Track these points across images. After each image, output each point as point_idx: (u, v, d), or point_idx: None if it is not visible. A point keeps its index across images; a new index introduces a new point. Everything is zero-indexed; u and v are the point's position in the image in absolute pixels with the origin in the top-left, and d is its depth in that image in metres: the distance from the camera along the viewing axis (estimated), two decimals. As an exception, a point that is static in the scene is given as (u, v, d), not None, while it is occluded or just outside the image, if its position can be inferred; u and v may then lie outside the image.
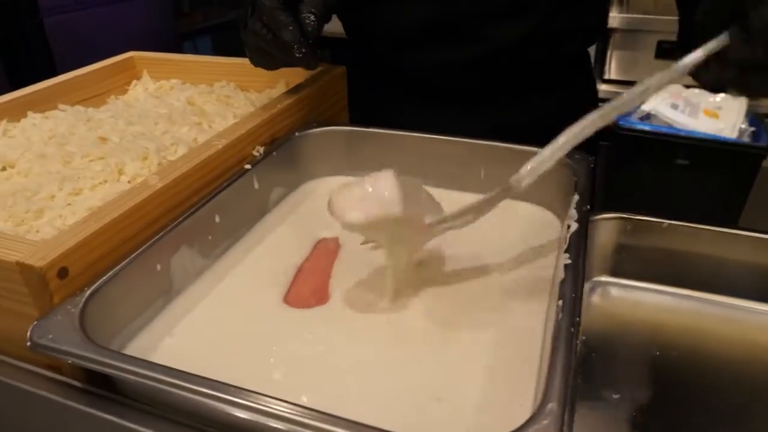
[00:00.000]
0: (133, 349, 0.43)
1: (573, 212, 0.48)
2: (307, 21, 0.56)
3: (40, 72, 1.77)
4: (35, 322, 0.38)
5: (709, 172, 1.68)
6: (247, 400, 0.32)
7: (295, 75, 0.77)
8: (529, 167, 0.44)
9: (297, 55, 0.55)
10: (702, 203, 1.68)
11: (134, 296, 0.44)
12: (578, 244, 0.44)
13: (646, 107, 1.73)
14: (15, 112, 0.69)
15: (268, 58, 0.60)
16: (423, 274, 0.52)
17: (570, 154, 0.57)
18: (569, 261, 0.42)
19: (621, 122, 1.70)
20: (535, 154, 0.58)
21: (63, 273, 0.40)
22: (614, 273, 0.58)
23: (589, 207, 0.50)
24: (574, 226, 0.46)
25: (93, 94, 0.79)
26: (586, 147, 0.84)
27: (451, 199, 0.63)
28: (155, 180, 0.48)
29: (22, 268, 0.39)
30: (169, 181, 0.48)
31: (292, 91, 0.68)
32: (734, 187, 1.66)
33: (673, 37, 2.05)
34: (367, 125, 0.66)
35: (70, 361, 0.35)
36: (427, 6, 0.71)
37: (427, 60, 0.76)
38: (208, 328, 0.46)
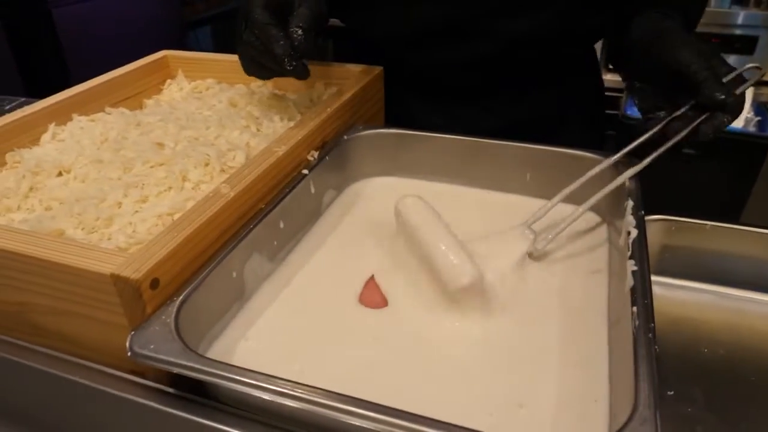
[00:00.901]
0: (213, 354, 0.45)
1: (630, 218, 0.50)
2: (295, 35, 0.57)
3: (50, 63, 1.77)
4: (133, 333, 0.39)
5: (715, 162, 1.70)
6: (333, 401, 0.34)
7: (330, 76, 0.79)
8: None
9: (288, 68, 0.57)
10: (709, 192, 1.71)
11: (213, 303, 0.46)
12: (641, 251, 0.46)
13: (653, 97, 1.75)
14: (60, 115, 0.70)
15: (261, 69, 0.63)
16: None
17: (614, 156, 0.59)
18: (635, 268, 0.44)
19: (628, 111, 1.72)
20: (571, 156, 0.61)
21: (155, 284, 0.41)
22: (659, 272, 0.60)
23: (643, 212, 0.51)
24: (634, 232, 0.48)
25: (130, 94, 0.80)
26: (593, 138, 0.87)
27: (495, 201, 0.65)
28: (227, 189, 0.49)
29: (116, 279, 0.40)
30: (240, 190, 0.49)
31: (336, 94, 0.69)
32: (741, 176, 1.69)
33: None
34: (412, 128, 0.68)
35: (174, 371, 0.37)
36: (438, 5, 0.72)
37: (438, 59, 0.77)
38: (281, 330, 0.47)
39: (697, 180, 1.69)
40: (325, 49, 2.24)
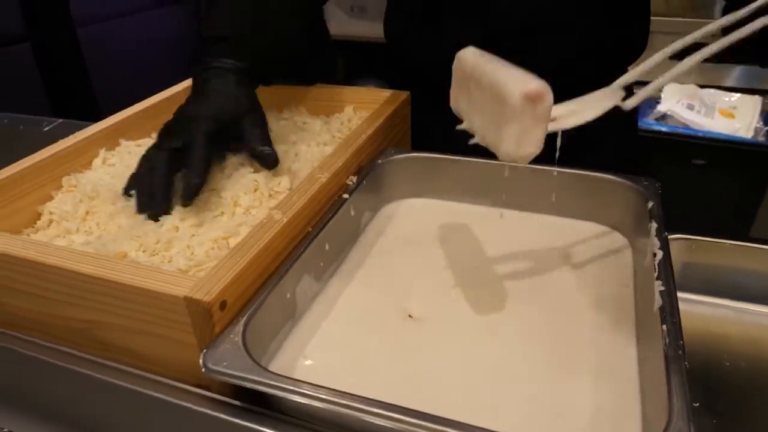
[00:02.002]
0: (275, 369, 0.48)
1: (655, 240, 0.53)
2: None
3: (75, 81, 1.82)
4: (206, 351, 0.43)
5: (725, 172, 1.73)
6: (392, 412, 0.38)
7: (359, 100, 0.82)
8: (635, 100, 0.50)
9: (154, 208, 0.59)
10: (719, 202, 1.74)
11: (271, 322, 0.49)
12: (667, 271, 0.49)
13: (662, 108, 1.79)
14: (108, 141, 0.74)
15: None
16: (509, 291, 0.58)
17: (637, 179, 0.63)
18: (663, 288, 0.47)
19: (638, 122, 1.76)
20: (596, 179, 0.64)
21: (223, 305, 0.45)
22: (680, 288, 0.63)
23: (666, 234, 0.55)
24: (660, 254, 0.52)
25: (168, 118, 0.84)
26: (626, 157, 0.90)
27: (521, 220, 0.69)
28: (279, 215, 0.53)
29: (189, 302, 0.44)
30: (291, 216, 0.53)
31: (369, 119, 0.73)
32: (751, 186, 1.72)
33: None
34: (442, 152, 0.71)
35: (248, 386, 0.41)
36: (477, 23, 0.76)
37: None
38: (335, 347, 0.51)
39: (709, 190, 1.72)
40: (335, 63, 2.28)
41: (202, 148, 0.60)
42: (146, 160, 0.64)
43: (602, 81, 0.83)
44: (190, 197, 0.59)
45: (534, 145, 0.46)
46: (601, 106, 0.51)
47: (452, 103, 0.56)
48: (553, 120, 0.49)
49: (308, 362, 0.50)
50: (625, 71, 0.88)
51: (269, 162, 0.62)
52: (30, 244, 0.51)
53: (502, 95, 0.45)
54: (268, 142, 0.63)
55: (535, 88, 0.43)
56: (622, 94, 0.52)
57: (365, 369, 0.49)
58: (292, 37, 0.78)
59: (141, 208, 0.60)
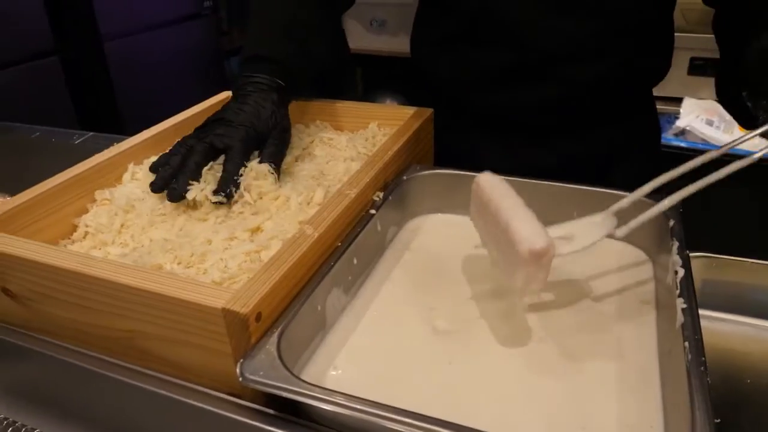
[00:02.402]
0: (307, 379, 0.50)
1: (677, 258, 0.55)
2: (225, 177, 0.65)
3: (100, 94, 1.87)
4: (242, 361, 0.45)
5: (745, 188, 1.73)
6: (424, 423, 0.39)
7: (384, 117, 0.85)
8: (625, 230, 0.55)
9: (175, 191, 0.64)
10: (739, 218, 1.73)
11: (303, 334, 0.51)
12: (689, 289, 0.51)
13: (681, 123, 1.79)
14: (137, 156, 0.76)
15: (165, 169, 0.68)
16: (532, 305, 0.59)
17: (658, 197, 0.64)
18: (685, 305, 0.49)
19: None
20: (617, 197, 0.65)
21: (258, 317, 0.47)
22: (701, 305, 0.64)
23: (688, 252, 0.56)
24: (681, 271, 0.53)
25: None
26: (649, 175, 0.91)
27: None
28: (311, 230, 0.55)
29: (226, 313, 0.46)
30: (322, 231, 0.55)
31: (394, 135, 0.74)
32: (771, 204, 1.71)
33: (706, 54, 2.09)
34: (464, 167, 0.73)
35: (284, 395, 0.42)
36: (504, 49, 0.78)
37: (502, 100, 0.83)
38: (364, 358, 0.53)
39: (728, 206, 1.71)
40: (353, 77, 2.31)
41: (239, 157, 0.66)
42: (182, 145, 0.69)
43: (625, 105, 0.85)
44: (227, 196, 0.64)
45: (539, 285, 0.51)
46: (595, 234, 0.56)
47: (471, 218, 0.62)
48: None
49: (337, 372, 0.51)
50: (649, 94, 0.90)
51: (226, 189, 0.65)
52: (73, 256, 0.53)
53: (512, 242, 0.50)
54: (276, 159, 0.68)
55: (541, 247, 0.49)
56: (615, 221, 0.57)
57: (393, 380, 0.50)
58: (321, 56, 0.81)
59: (161, 183, 0.66)
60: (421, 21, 0.91)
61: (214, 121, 0.70)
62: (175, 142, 0.70)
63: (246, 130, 0.68)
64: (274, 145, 0.69)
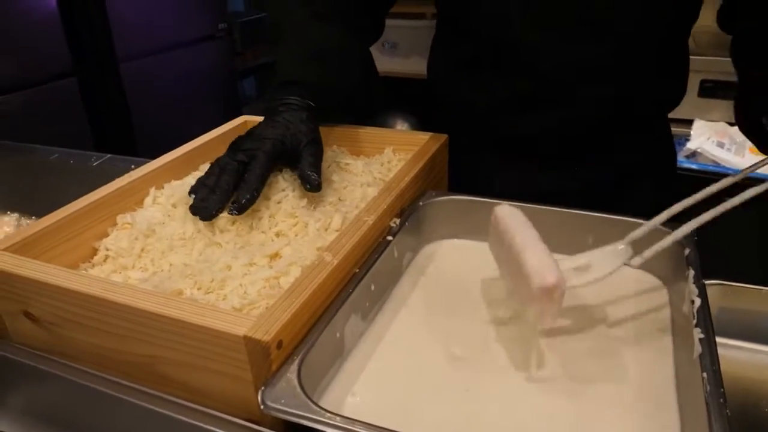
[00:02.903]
0: (326, 406, 0.50)
1: (693, 287, 0.55)
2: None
3: (116, 115, 1.90)
4: (264, 389, 0.46)
5: (757, 211, 1.72)
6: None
7: (398, 142, 0.86)
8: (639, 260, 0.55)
9: (210, 210, 0.66)
10: (751, 243, 1.73)
11: (322, 361, 0.52)
12: (706, 319, 0.51)
13: (692, 145, 1.79)
14: (158, 180, 0.77)
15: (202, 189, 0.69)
16: (549, 332, 0.59)
17: (674, 225, 0.64)
18: (702, 336, 0.49)
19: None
20: (633, 224, 0.66)
21: (279, 344, 0.47)
22: (717, 333, 0.64)
23: (704, 281, 0.56)
24: (698, 301, 0.53)
25: (213, 157, 0.88)
26: (665, 199, 0.92)
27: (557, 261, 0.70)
28: (330, 257, 0.56)
29: (248, 341, 0.46)
30: (341, 258, 0.56)
31: (410, 161, 0.75)
32: (786, 229, 1.70)
33: (716, 76, 2.09)
34: (481, 194, 0.74)
35: (306, 424, 0.43)
36: (520, 75, 0.79)
37: (518, 125, 0.84)
38: (382, 384, 0.53)
39: (740, 229, 1.71)
40: (381, 99, 2.31)
41: (260, 167, 0.67)
42: (216, 166, 0.71)
43: (641, 130, 0.86)
44: (240, 210, 0.65)
45: (551, 317, 0.53)
46: (612, 264, 0.57)
47: (490, 248, 0.63)
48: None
49: (356, 399, 0.52)
50: (665, 118, 0.91)
51: (313, 185, 0.67)
52: (96, 282, 0.54)
53: (525, 276, 0.51)
54: (316, 170, 0.69)
55: (551, 283, 0.50)
56: (631, 251, 0.58)
57: (411, 407, 0.51)
58: (350, 80, 0.85)
59: (194, 210, 0.66)
60: (439, 45, 0.93)
61: (244, 137, 0.72)
62: (211, 164, 0.72)
63: (273, 143, 0.69)
64: (311, 155, 0.70)
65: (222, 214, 0.66)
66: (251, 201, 0.65)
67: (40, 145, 1.20)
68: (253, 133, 0.72)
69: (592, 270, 0.56)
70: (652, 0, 0.75)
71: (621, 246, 0.58)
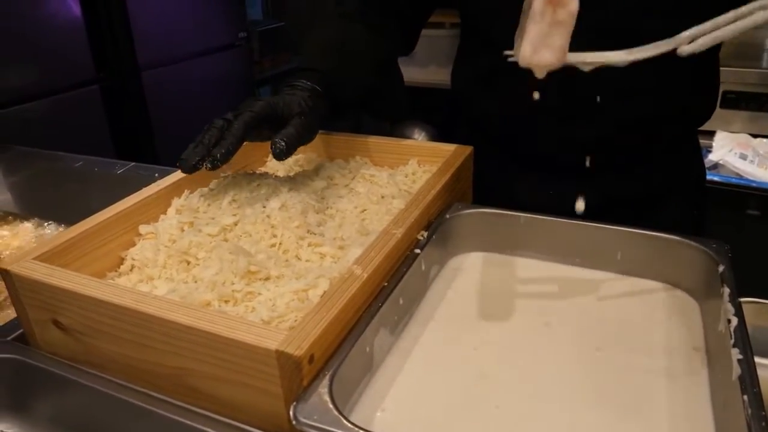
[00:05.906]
0: (356, 422, 0.50)
1: (729, 306, 0.54)
2: (277, 146, 0.67)
3: (138, 123, 1.91)
4: (296, 404, 0.45)
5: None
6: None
7: (423, 154, 0.85)
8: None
9: (204, 163, 0.66)
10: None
11: (353, 376, 0.51)
12: (744, 338, 0.50)
13: (714, 157, 1.77)
14: (179, 191, 0.77)
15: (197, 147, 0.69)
16: (578, 348, 0.58)
17: (706, 242, 0.63)
18: (741, 356, 0.48)
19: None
20: (663, 240, 0.65)
21: (311, 359, 0.47)
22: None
23: (739, 300, 0.55)
24: (735, 320, 0.52)
25: (237, 167, 0.88)
26: (692, 216, 0.90)
27: (584, 277, 0.70)
28: (359, 271, 0.55)
29: (280, 355, 0.46)
30: (371, 272, 0.55)
31: (436, 174, 0.75)
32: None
33: (738, 87, 2.08)
34: (505, 205, 0.73)
35: (337, 440, 0.42)
36: (546, 88, 0.78)
37: (544, 137, 0.83)
38: (411, 399, 0.53)
39: (764, 241, 1.69)
40: (405, 104, 2.29)
41: (241, 126, 0.67)
42: (208, 125, 0.71)
43: (670, 144, 0.85)
44: (213, 165, 0.66)
45: (551, 53, 0.45)
46: (655, 49, 0.50)
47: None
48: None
49: (385, 414, 0.51)
50: (694, 133, 0.89)
51: (275, 152, 0.67)
52: (127, 292, 0.54)
53: (530, 1, 0.45)
54: (290, 140, 0.68)
55: None
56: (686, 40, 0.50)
57: (440, 424, 0.50)
58: (365, 76, 0.86)
59: (178, 163, 0.68)
60: (463, 55, 0.92)
61: (242, 104, 0.73)
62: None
63: (261, 106, 0.69)
64: (294, 126, 0.69)
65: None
66: (225, 156, 0.66)
67: (64, 153, 1.21)
68: (247, 101, 0.73)
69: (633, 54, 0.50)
70: (683, 15, 0.74)
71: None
